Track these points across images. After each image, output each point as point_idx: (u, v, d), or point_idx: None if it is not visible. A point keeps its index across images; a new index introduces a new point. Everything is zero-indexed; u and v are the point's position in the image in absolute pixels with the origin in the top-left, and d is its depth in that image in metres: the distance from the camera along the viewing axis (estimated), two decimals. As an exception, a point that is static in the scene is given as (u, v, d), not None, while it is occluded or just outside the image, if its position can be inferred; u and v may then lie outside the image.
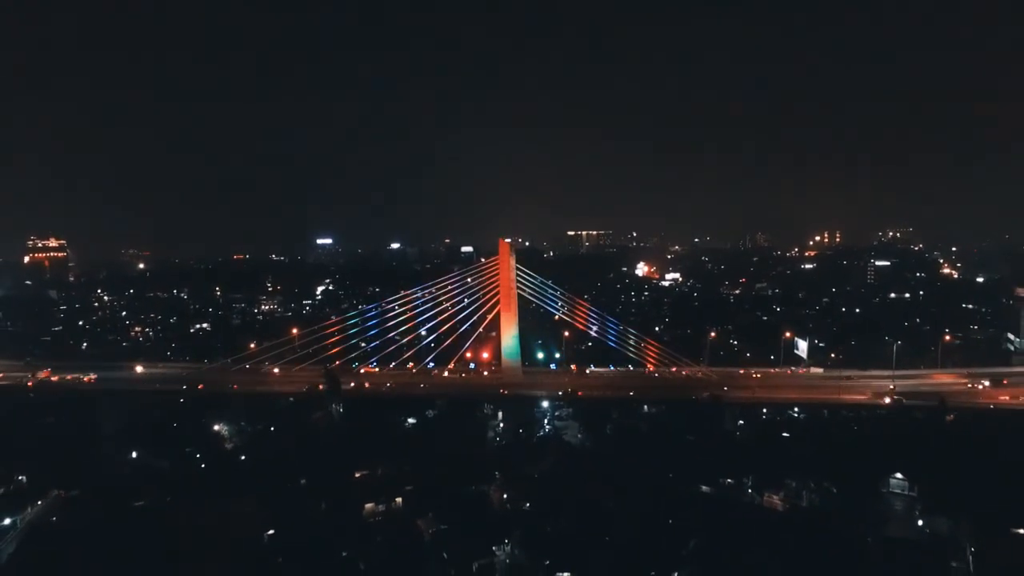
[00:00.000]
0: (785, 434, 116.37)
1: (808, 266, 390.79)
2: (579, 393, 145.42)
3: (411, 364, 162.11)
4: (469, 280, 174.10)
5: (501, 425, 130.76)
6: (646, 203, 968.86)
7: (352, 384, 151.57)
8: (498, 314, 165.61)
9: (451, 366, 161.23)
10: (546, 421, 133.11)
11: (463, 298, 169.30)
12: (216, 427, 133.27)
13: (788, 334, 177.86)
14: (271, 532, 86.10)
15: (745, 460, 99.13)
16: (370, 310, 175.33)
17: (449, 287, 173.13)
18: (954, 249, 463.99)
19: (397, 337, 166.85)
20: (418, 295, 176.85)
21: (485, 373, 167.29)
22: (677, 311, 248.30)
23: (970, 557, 69.09)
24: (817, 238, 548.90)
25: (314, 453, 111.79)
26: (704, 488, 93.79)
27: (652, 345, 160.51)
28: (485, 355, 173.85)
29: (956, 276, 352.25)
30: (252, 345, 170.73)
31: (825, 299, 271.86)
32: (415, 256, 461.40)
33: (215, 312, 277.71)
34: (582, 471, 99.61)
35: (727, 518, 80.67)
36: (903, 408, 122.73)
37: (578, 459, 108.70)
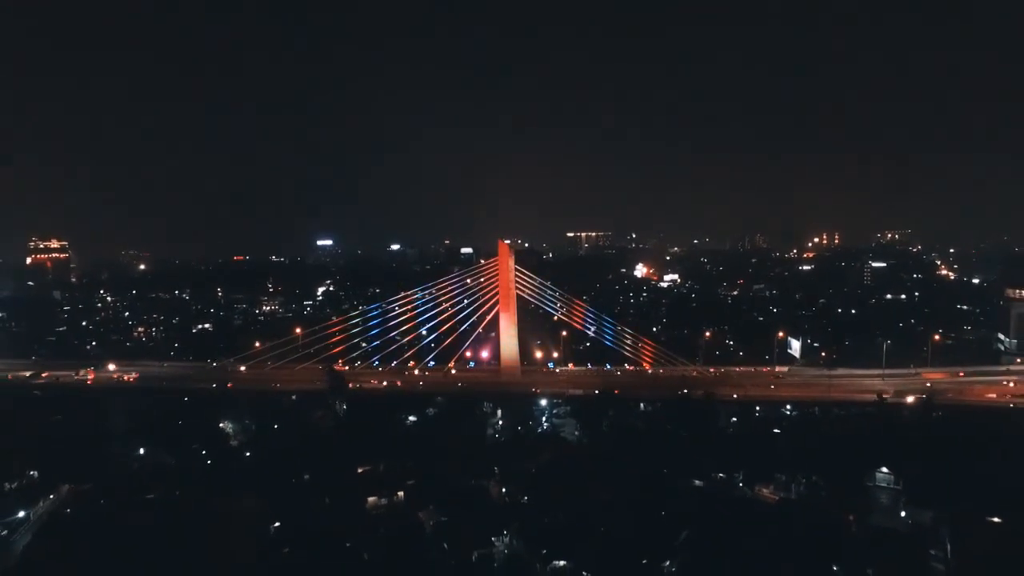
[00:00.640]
0: (776, 430, 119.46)
1: (806, 267, 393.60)
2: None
3: (412, 363, 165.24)
4: (468, 281, 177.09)
5: (500, 423, 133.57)
6: (646, 205, 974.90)
7: (354, 383, 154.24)
8: (497, 314, 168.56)
9: (451, 365, 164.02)
10: (544, 419, 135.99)
11: (463, 299, 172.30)
12: (221, 425, 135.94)
13: (781, 334, 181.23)
14: (277, 524, 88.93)
15: (737, 455, 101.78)
16: (371, 310, 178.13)
17: (449, 288, 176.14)
18: (952, 251, 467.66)
19: (398, 337, 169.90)
20: (418, 296, 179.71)
21: (485, 372, 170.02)
22: (674, 312, 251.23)
23: (948, 545, 72.09)
24: (816, 240, 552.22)
25: (317, 450, 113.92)
26: (697, 482, 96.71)
27: (648, 345, 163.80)
28: (485, 354, 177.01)
29: (952, 277, 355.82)
30: (257, 344, 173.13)
31: (822, 300, 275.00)
32: (415, 257, 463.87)
33: (217, 313, 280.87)
34: (579, 466, 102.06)
35: (718, 510, 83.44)
36: (890, 405, 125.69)
37: (575, 455, 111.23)
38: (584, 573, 72.43)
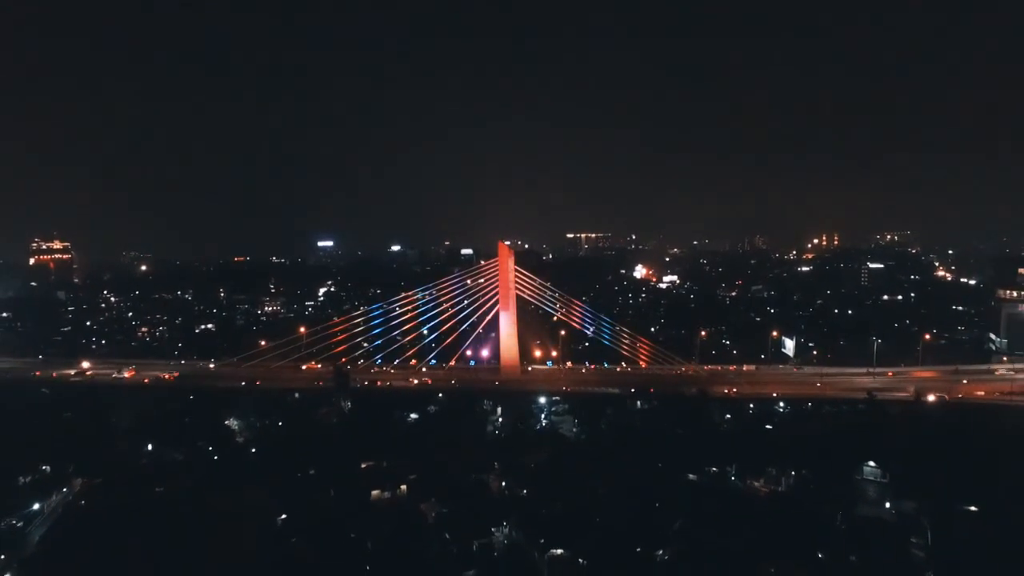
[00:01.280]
0: (768, 426, 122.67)
1: (805, 269, 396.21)
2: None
3: (414, 362, 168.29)
4: (469, 282, 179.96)
5: (500, 420, 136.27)
6: (646, 206, 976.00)
7: (357, 381, 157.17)
8: (497, 314, 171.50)
9: (452, 364, 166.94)
10: (543, 416, 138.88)
11: (463, 299, 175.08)
12: (226, 422, 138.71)
13: (775, 333, 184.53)
14: (283, 517, 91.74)
15: (729, 450, 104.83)
16: (374, 310, 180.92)
17: (449, 289, 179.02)
18: (951, 252, 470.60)
19: (400, 336, 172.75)
20: (419, 296, 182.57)
21: (485, 371, 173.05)
22: (673, 312, 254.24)
23: (928, 533, 75.17)
24: (816, 241, 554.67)
25: (322, 446, 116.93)
26: (691, 476, 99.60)
27: (645, 344, 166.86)
28: (485, 353, 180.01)
29: (950, 279, 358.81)
30: (263, 343, 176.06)
31: (819, 301, 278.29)
32: (415, 258, 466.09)
33: (219, 313, 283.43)
34: (576, 461, 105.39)
35: (710, 502, 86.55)
36: (879, 402, 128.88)
37: (573, 450, 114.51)
38: (581, 560, 75.12)
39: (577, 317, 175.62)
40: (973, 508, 79.72)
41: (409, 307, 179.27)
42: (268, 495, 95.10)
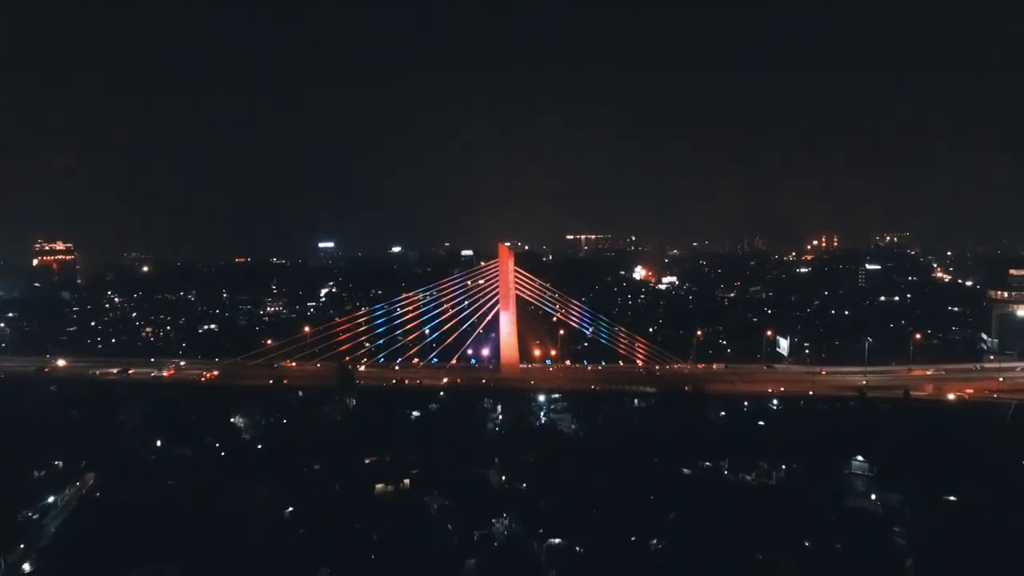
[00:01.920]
0: (760, 423, 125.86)
1: (803, 270, 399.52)
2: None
3: (415, 360, 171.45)
4: (469, 283, 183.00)
5: (500, 417, 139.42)
6: (645, 208, 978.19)
7: (361, 379, 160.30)
8: (497, 314, 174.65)
9: (453, 362, 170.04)
10: (542, 413, 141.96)
11: (464, 300, 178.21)
12: (232, 419, 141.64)
13: (770, 332, 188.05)
14: (290, 509, 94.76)
15: (723, 446, 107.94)
16: (376, 310, 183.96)
17: (450, 289, 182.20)
18: (949, 254, 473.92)
19: (402, 336, 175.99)
20: (420, 297, 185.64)
21: (485, 370, 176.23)
22: (671, 313, 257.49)
23: (911, 522, 78.48)
24: (815, 242, 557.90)
25: (326, 442, 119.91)
26: (685, 471, 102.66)
27: (643, 343, 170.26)
28: (485, 352, 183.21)
29: (947, 280, 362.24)
30: (270, 341, 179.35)
31: (816, 302, 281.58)
32: (416, 259, 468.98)
33: (222, 313, 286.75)
34: (574, 456, 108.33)
35: (704, 495, 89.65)
36: (869, 399, 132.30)
37: (571, 446, 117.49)
38: (578, 549, 78.16)
39: (576, 317, 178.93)
40: (952, 498, 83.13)
41: (410, 308, 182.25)
42: (275, 489, 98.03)
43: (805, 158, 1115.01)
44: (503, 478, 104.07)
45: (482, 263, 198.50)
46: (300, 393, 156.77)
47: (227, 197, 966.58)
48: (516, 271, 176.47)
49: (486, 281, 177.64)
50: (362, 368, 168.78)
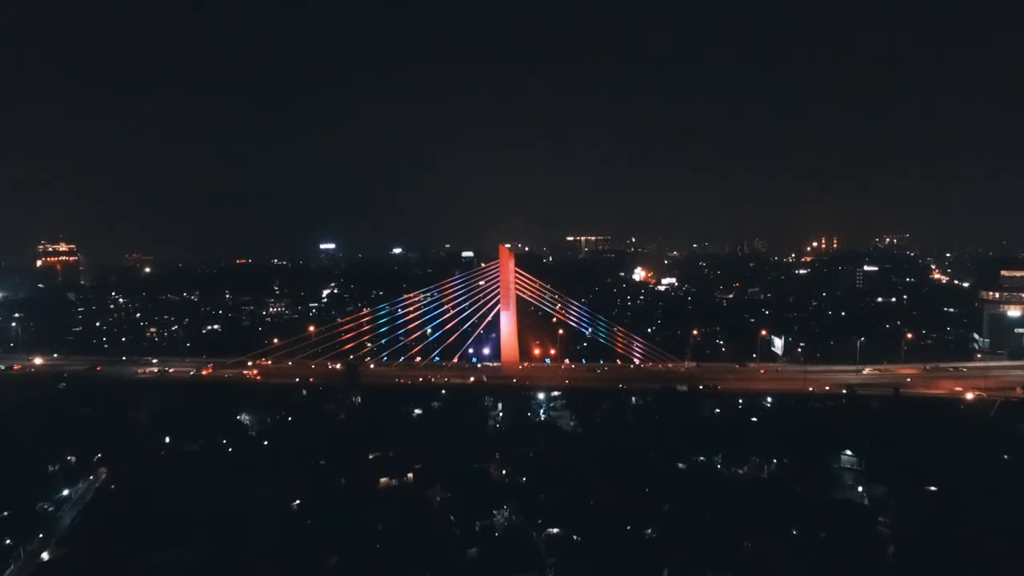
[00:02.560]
0: (753, 419, 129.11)
1: (802, 271, 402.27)
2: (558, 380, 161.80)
3: (418, 359, 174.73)
4: (470, 284, 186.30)
5: (500, 414, 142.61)
6: (646, 210, 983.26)
7: (365, 377, 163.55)
8: (498, 315, 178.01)
9: (455, 361, 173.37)
10: (541, 411, 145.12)
11: (464, 301, 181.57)
12: (239, 417, 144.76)
13: (764, 332, 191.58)
14: (298, 502, 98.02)
15: (717, 441, 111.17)
16: (379, 310, 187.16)
17: (451, 290, 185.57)
18: (948, 255, 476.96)
19: (405, 335, 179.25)
20: (422, 297, 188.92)
21: (486, 368, 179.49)
22: (670, 314, 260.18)
23: (894, 511, 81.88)
24: (815, 244, 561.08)
25: (331, 439, 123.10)
26: (680, 465, 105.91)
27: (641, 343, 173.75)
28: (486, 351, 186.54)
29: (945, 281, 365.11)
30: (276, 340, 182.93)
31: (814, 303, 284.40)
32: (416, 261, 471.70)
33: (225, 314, 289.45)
34: (572, 451, 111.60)
35: (697, 487, 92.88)
36: (859, 396, 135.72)
37: (569, 441, 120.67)
38: (575, 538, 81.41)
39: (575, 317, 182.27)
40: (933, 488, 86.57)
41: (411, 308, 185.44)
42: (282, 483, 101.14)
43: (806, 160, 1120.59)
44: (503, 472, 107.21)
45: (482, 264, 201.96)
46: (304, 392, 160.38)
47: (227, 198, 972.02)
48: (516, 272, 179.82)
49: (486, 282, 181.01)
50: (366, 367, 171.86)
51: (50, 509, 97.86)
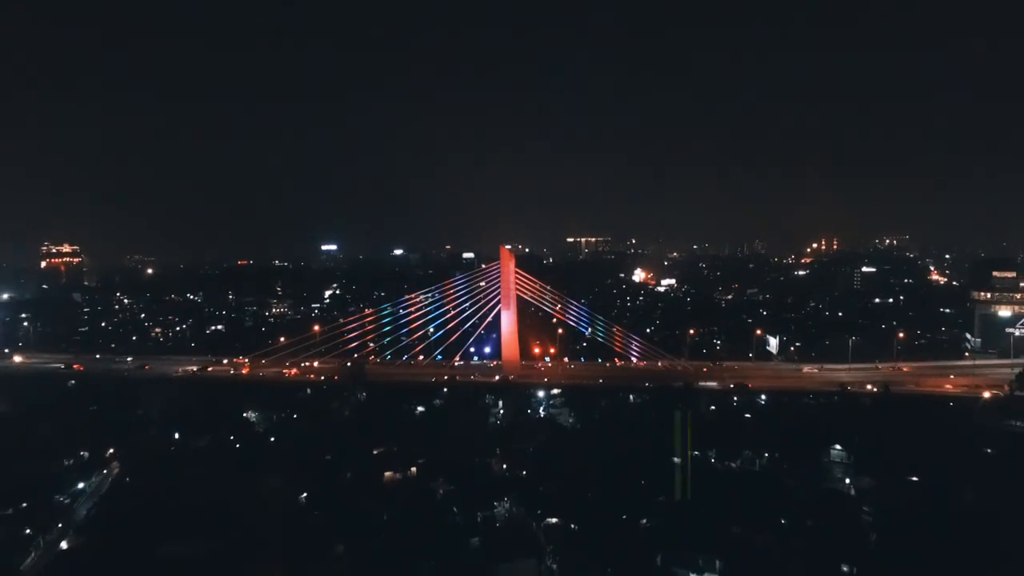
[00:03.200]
0: (747, 415, 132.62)
1: (801, 273, 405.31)
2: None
3: (420, 358, 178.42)
4: (471, 284, 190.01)
5: (501, 411, 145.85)
6: (646, 211, 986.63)
7: (369, 375, 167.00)
8: (498, 315, 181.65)
9: (456, 360, 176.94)
10: (541, 408, 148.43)
11: (466, 301, 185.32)
12: (246, 414, 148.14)
13: (759, 331, 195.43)
14: (304, 495, 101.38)
15: (711, 436, 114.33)
16: (382, 310, 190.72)
17: (452, 291, 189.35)
18: (948, 257, 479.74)
19: (408, 334, 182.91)
20: (423, 298, 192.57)
21: (487, 366, 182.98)
22: (668, 314, 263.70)
23: (878, 501, 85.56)
24: (815, 245, 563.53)
25: (336, 435, 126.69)
26: (675, 460, 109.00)
27: (639, 342, 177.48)
28: (487, 350, 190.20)
29: (943, 282, 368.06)
30: (282, 339, 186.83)
31: (811, 304, 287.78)
32: (417, 262, 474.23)
33: (228, 315, 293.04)
34: (571, 446, 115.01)
35: (690, 479, 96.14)
36: (850, 393, 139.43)
37: (568, 437, 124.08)
38: (573, 527, 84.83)
39: (575, 317, 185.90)
40: (915, 479, 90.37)
41: (413, 309, 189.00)
42: (289, 478, 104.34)
43: (806, 162, 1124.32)
44: (504, 466, 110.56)
45: (483, 265, 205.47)
46: (308, 390, 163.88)
47: (228, 199, 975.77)
48: (517, 272, 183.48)
49: (487, 283, 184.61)
50: (370, 365, 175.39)
51: (66, 501, 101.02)
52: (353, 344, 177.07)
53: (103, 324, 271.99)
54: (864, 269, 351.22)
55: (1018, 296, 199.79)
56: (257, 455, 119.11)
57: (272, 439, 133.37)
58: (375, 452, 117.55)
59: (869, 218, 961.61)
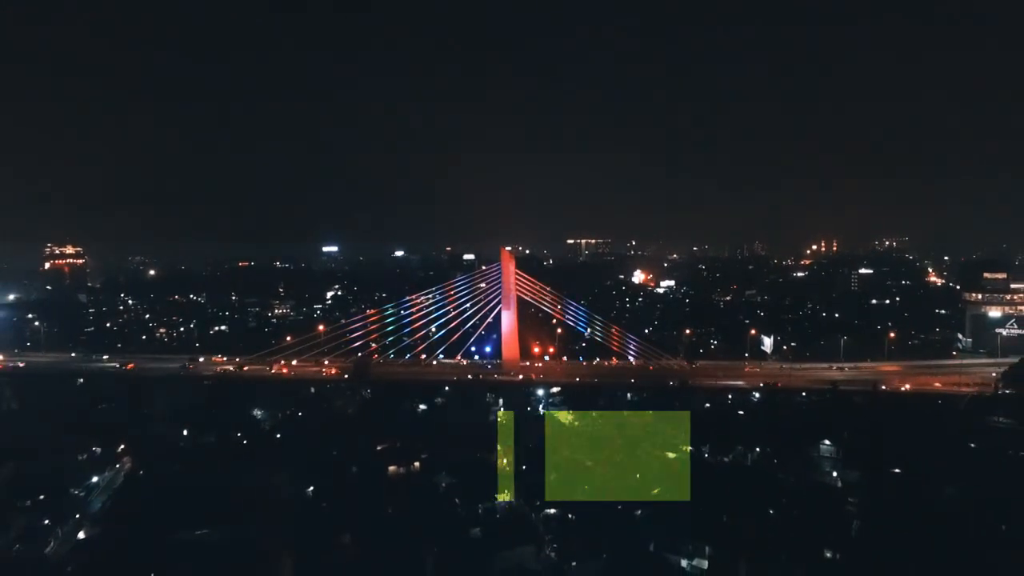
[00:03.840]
0: (740, 412, 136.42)
1: (800, 274, 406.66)
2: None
3: (422, 357, 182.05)
4: (472, 285, 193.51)
5: (502, 409, 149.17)
6: (646, 213, 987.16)
7: (373, 374, 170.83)
8: (499, 315, 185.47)
9: (458, 359, 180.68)
10: (540, 406, 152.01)
11: (466, 302, 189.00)
12: (252, 412, 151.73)
13: (754, 332, 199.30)
14: (311, 489, 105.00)
15: (705, 432, 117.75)
16: (385, 311, 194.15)
17: (454, 292, 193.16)
18: (947, 258, 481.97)
19: (410, 335, 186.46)
20: (425, 299, 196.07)
21: (488, 365, 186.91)
22: (667, 315, 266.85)
23: (863, 492, 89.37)
24: (814, 247, 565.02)
25: (341, 431, 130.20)
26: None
27: (637, 342, 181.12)
28: (488, 349, 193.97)
29: (940, 283, 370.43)
30: (290, 338, 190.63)
31: (809, 305, 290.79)
32: (418, 263, 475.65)
33: (232, 315, 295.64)
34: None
35: (684, 473, 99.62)
36: (841, 391, 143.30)
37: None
38: (570, 516, 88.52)
39: (574, 318, 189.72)
40: (897, 470, 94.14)
41: (415, 309, 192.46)
42: (297, 472, 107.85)
43: (807, 162, 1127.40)
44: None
45: (483, 267, 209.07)
46: (312, 389, 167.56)
47: (228, 201, 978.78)
48: (517, 274, 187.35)
49: (487, 284, 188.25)
50: (374, 364, 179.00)
51: (81, 494, 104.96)
52: (357, 344, 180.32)
53: (108, 324, 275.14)
54: (862, 271, 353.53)
55: (1008, 297, 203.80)
56: (264, 451, 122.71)
57: (278, 436, 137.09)
58: (379, 448, 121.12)
59: (870, 220, 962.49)
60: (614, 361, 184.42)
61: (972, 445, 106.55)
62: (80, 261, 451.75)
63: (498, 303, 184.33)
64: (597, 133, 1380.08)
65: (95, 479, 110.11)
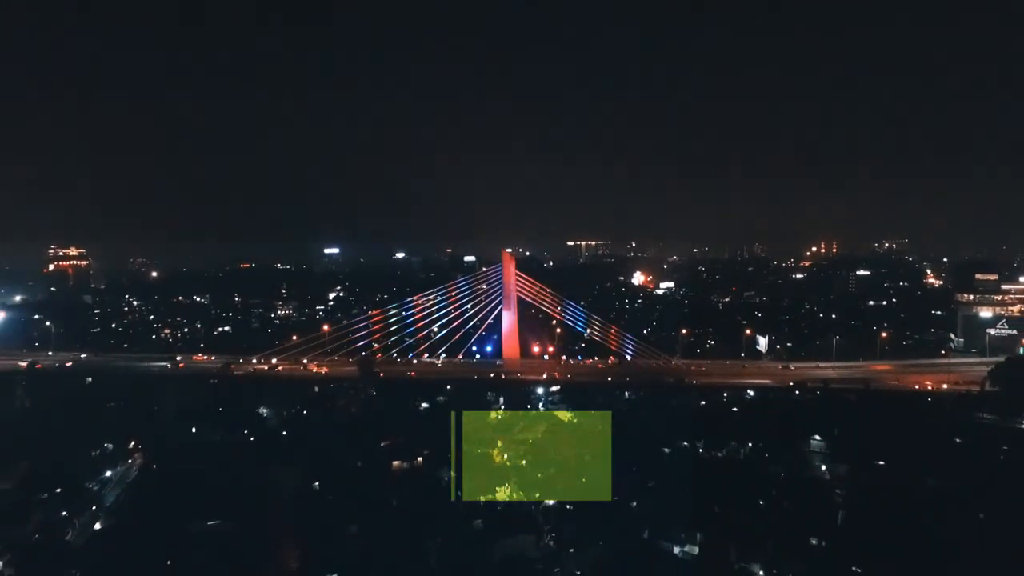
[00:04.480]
0: (734, 409, 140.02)
1: (799, 276, 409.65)
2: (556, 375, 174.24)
3: (425, 356, 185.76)
4: (473, 286, 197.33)
5: (502, 407, 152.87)
6: (646, 215, 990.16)
7: (377, 372, 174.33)
8: (499, 316, 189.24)
9: (459, 358, 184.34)
10: (540, 404, 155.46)
11: (467, 303, 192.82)
12: (258, 410, 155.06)
13: (749, 331, 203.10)
14: (317, 483, 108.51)
15: (700, 429, 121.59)
16: (388, 311, 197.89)
17: (455, 293, 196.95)
18: (945, 260, 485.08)
19: (412, 334, 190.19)
20: (426, 300, 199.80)
21: (489, 364, 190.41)
22: (665, 316, 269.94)
23: (849, 484, 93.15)
24: (814, 248, 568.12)
25: (345, 429, 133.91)
26: (665, 450, 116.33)
27: (634, 342, 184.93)
28: (489, 349, 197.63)
29: (938, 285, 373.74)
30: (294, 337, 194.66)
31: (806, 305, 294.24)
32: (419, 265, 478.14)
33: (235, 316, 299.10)
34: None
35: (678, 466, 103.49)
36: (833, 389, 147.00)
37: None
38: (568, 507, 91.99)
39: (573, 319, 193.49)
40: (882, 463, 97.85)
41: (416, 310, 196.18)
42: (302, 468, 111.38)
43: (808, 164, 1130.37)
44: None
45: (484, 268, 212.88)
46: (316, 388, 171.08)
47: (228, 201, 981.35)
48: (517, 275, 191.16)
49: (488, 286, 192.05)
50: (377, 363, 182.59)
51: (95, 488, 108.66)
52: (360, 344, 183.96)
53: (113, 325, 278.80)
54: (860, 272, 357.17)
55: (998, 298, 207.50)
56: (270, 448, 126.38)
57: (284, 433, 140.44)
58: (383, 444, 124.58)
59: (870, 221, 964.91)
60: (612, 360, 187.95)
61: (956, 440, 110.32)
62: (84, 263, 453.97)
63: (499, 304, 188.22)
64: (598, 136, 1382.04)
65: (108, 473, 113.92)
